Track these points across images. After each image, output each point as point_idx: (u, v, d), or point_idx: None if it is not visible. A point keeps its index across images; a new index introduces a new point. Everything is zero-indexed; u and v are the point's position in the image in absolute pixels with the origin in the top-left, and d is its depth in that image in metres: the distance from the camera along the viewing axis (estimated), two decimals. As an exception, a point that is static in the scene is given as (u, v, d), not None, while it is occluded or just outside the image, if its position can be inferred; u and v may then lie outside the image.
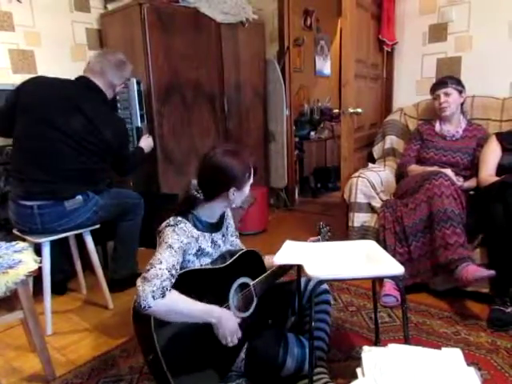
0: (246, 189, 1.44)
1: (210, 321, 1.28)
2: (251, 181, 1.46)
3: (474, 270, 1.81)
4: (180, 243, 1.30)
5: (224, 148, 1.41)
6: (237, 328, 1.35)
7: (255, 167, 1.46)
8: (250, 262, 1.51)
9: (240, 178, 1.39)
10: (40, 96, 1.96)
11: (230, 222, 1.62)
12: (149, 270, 1.18)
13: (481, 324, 1.84)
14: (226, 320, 1.31)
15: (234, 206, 1.47)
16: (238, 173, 1.38)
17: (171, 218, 1.36)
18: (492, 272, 1.77)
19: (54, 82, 2.04)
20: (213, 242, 1.47)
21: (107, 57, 2.08)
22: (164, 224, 1.34)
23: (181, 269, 1.28)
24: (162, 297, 1.14)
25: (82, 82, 2.03)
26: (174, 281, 1.21)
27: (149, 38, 2.71)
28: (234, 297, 1.42)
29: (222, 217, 1.55)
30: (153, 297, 1.12)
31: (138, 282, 1.17)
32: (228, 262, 1.43)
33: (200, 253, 1.40)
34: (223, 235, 1.55)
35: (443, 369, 1.13)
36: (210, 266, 1.40)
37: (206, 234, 1.43)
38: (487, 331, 1.78)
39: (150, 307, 1.12)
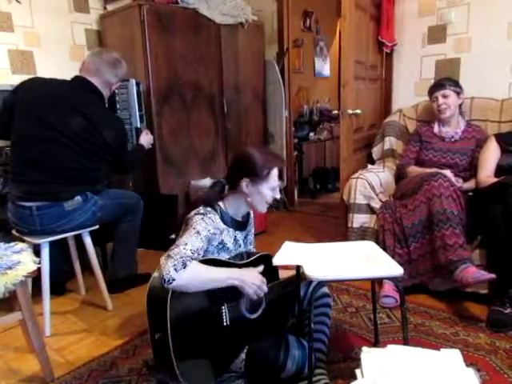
0: (264, 188, 1.43)
1: (233, 283, 1.31)
2: (271, 183, 1.44)
3: (473, 272, 1.80)
4: (207, 232, 1.33)
5: (259, 146, 1.47)
6: (261, 279, 1.37)
7: (280, 172, 1.48)
8: (265, 266, 1.52)
9: (257, 170, 1.41)
10: (38, 97, 1.96)
11: (251, 229, 1.64)
12: (173, 249, 1.22)
13: (480, 325, 1.84)
14: (249, 277, 1.34)
15: (249, 200, 1.46)
16: (257, 162, 1.41)
17: (201, 207, 1.39)
18: (492, 276, 1.76)
19: (51, 82, 2.04)
20: (235, 239, 1.49)
21: (102, 56, 2.07)
22: (193, 212, 1.37)
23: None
24: (184, 267, 1.17)
25: (79, 82, 2.03)
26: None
27: (148, 38, 2.71)
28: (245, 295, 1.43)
29: (247, 219, 1.57)
30: (175, 269, 1.16)
31: (162, 259, 1.20)
32: (247, 261, 1.45)
33: (221, 246, 1.42)
34: (245, 237, 1.57)
35: (442, 370, 1.13)
36: (229, 260, 1.42)
37: (230, 229, 1.46)
38: (486, 332, 1.78)
39: (173, 280, 1.15)
